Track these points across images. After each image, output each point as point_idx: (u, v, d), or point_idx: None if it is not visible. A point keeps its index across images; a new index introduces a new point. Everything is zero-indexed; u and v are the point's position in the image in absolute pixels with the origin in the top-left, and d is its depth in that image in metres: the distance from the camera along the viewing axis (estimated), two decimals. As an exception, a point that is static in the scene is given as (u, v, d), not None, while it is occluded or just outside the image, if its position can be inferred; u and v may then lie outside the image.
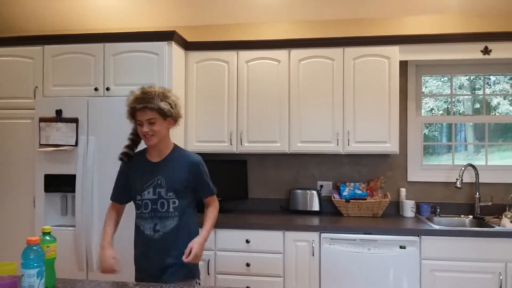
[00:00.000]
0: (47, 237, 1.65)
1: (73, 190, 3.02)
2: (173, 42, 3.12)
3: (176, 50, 3.19)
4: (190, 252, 1.98)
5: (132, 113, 2.05)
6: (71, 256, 3.02)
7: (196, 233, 2.15)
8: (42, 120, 3.06)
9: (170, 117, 2.06)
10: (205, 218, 2.19)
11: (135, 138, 2.20)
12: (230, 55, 3.40)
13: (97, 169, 3.02)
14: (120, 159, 2.17)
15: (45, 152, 3.06)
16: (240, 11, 3.58)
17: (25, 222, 3.16)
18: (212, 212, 2.21)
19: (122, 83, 3.12)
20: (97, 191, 3.00)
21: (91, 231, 2.99)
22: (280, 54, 3.35)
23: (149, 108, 1.98)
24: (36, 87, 3.23)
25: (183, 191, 2.09)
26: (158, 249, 2.05)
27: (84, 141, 3.03)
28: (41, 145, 3.05)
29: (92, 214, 2.99)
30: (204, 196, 2.21)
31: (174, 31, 3.10)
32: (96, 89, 3.14)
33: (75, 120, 3.04)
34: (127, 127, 2.98)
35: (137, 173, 2.13)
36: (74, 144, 3.03)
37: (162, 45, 3.09)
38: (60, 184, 3.05)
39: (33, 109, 3.15)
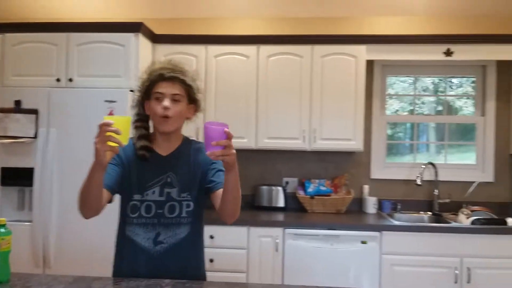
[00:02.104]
0: (2, 229, 1.57)
1: (31, 184, 2.93)
2: (140, 34, 3.05)
3: (143, 42, 3.13)
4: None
5: (151, 85, 1.61)
6: (28, 252, 2.94)
7: (202, 256, 1.73)
8: (0, 110, 2.94)
9: (194, 103, 1.67)
10: None
11: (145, 125, 1.70)
12: (198, 49, 3.37)
13: (58, 162, 2.93)
14: (142, 156, 1.64)
15: (3, 144, 2.94)
16: (210, 5, 3.55)
17: (-20, 216, 3.03)
18: None
19: (86, 74, 3.03)
20: (57, 185, 2.92)
21: (49, 227, 2.92)
22: (249, 49, 3.35)
23: (180, 80, 1.59)
24: (-6, 76, 3.11)
25: (199, 191, 1.66)
26: (157, 267, 1.60)
27: (44, 133, 2.94)
28: (-1, 137, 2.94)
29: (50, 210, 2.91)
30: (213, 186, 1.64)
31: (141, 22, 3.04)
32: (58, 80, 3.04)
33: (34, 112, 2.94)
34: (90, 119, 2.95)
35: (137, 167, 1.65)
36: (33, 136, 2.93)
37: (129, 36, 3.03)
38: (18, 178, 2.95)
39: (-9, 99, 3.02)
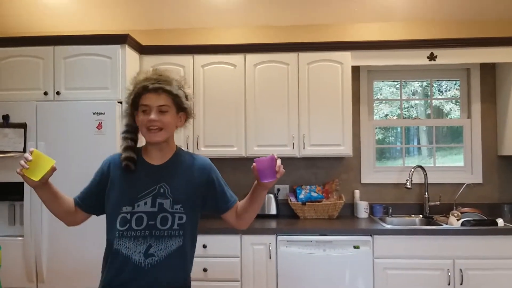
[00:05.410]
0: None
1: (22, 199, 2.90)
2: (126, 46, 3.06)
3: (130, 53, 3.14)
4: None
5: (137, 97, 1.59)
6: (20, 267, 2.89)
7: (189, 268, 1.71)
8: (-13, 125, 2.93)
9: (184, 111, 1.64)
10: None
11: (133, 137, 1.70)
12: (185, 59, 3.39)
13: (47, 176, 2.91)
14: (126, 166, 1.62)
15: (-9, 159, 2.92)
16: (195, 16, 3.58)
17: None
18: None
19: (73, 87, 3.03)
20: (47, 198, 2.89)
21: (41, 241, 2.88)
22: (236, 58, 3.37)
23: (166, 91, 1.56)
24: (-19, 91, 3.09)
25: (193, 204, 1.64)
26: (147, 280, 1.55)
27: (32, 147, 2.91)
28: (-14, 152, 2.92)
29: (41, 224, 2.88)
30: (226, 207, 1.70)
31: (128, 34, 3.05)
32: (45, 93, 3.03)
33: (23, 126, 2.93)
34: (79, 132, 2.95)
35: (127, 178, 1.63)
36: (22, 150, 2.91)
37: (115, 48, 3.04)
38: (8, 193, 2.93)
39: (-22, 114, 3.00)
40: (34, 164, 1.46)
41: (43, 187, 1.55)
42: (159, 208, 1.57)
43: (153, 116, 1.55)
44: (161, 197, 1.58)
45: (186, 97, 1.64)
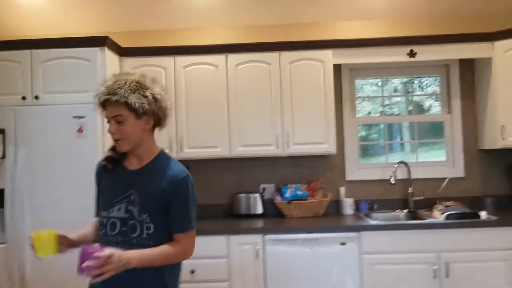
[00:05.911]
0: None
1: (2, 205, 2.84)
2: (106, 48, 3.02)
3: (109, 56, 3.10)
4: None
5: (103, 109, 1.58)
6: (2, 274, 2.85)
7: (177, 275, 1.67)
8: (-37, 132, 2.86)
9: (146, 114, 1.54)
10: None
11: None
12: (166, 61, 3.36)
13: (28, 182, 2.86)
14: (103, 166, 1.66)
15: (-32, 167, 2.85)
16: (176, 17, 3.56)
17: None
18: (167, 248, 1.54)
19: (52, 91, 2.98)
20: (29, 205, 2.84)
21: (24, 248, 2.82)
22: (217, 59, 3.36)
23: (114, 101, 1.49)
24: (-44, 97, 3.01)
25: (160, 214, 1.55)
26: (122, 285, 1.53)
27: (12, 153, 2.86)
28: (-37, 159, 2.85)
29: (23, 230, 2.82)
30: (172, 230, 1.57)
31: (107, 36, 3.02)
32: (23, 98, 2.97)
33: (1, 131, 2.87)
34: (60, 137, 2.90)
35: (108, 183, 1.64)
36: (1, 156, 2.85)
37: (94, 51, 3.00)
38: (-13, 200, 2.86)
39: (-47, 121, 2.92)
40: (40, 245, 1.52)
41: (72, 246, 1.61)
42: (130, 215, 1.56)
43: (110, 128, 1.55)
44: (132, 204, 1.56)
45: (147, 98, 1.53)
